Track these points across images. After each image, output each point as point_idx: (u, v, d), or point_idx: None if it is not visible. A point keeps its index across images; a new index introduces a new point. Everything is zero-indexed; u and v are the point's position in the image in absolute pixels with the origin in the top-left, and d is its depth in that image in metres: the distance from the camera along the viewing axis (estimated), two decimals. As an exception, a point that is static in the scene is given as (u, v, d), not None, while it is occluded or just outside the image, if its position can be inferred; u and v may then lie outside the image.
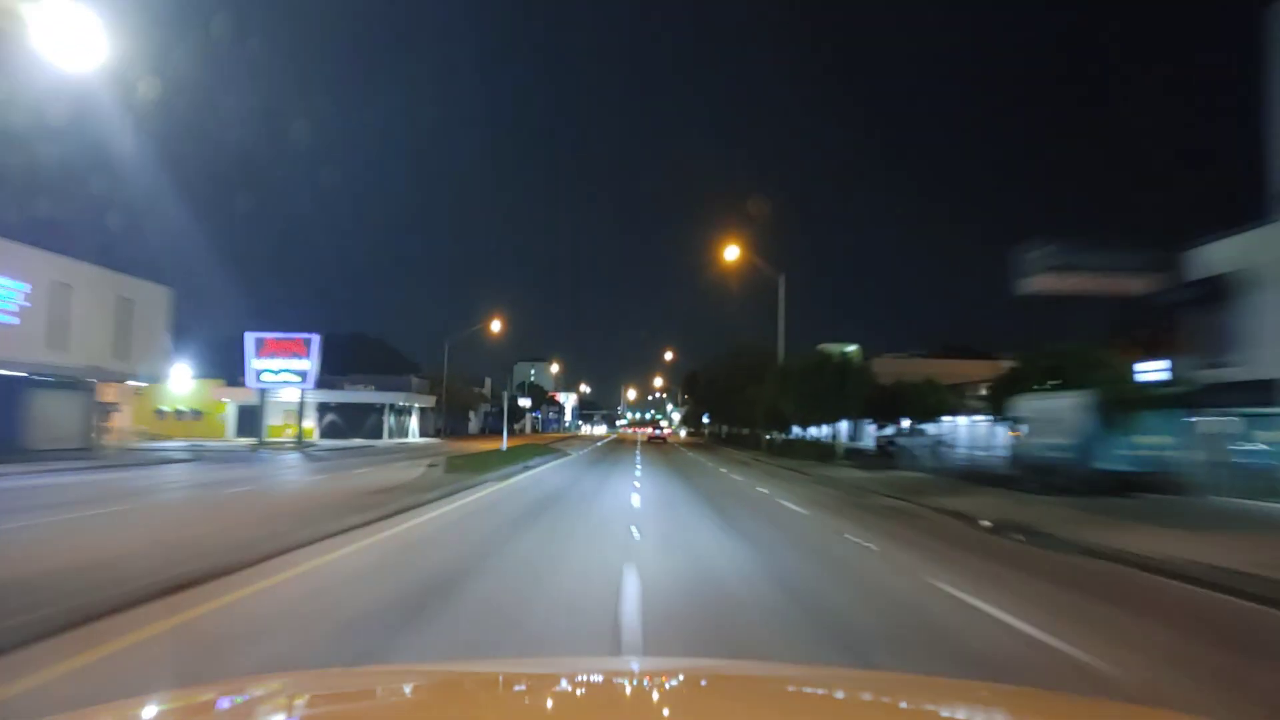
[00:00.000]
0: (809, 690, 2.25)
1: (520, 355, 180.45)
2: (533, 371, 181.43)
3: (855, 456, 40.03)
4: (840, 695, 2.17)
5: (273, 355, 45.82)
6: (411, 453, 38.95)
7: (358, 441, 55.14)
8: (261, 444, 45.11)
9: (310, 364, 45.92)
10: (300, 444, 44.58)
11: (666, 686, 2.23)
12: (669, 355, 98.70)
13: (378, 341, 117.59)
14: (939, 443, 49.93)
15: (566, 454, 39.47)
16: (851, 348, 42.86)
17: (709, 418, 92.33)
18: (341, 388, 63.67)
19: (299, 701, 1.94)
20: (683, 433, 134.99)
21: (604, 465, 30.69)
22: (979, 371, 51.59)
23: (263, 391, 47.45)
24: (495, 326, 71.62)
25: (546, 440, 68.60)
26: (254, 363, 45.67)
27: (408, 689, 2.19)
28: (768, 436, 52.62)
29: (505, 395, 38.98)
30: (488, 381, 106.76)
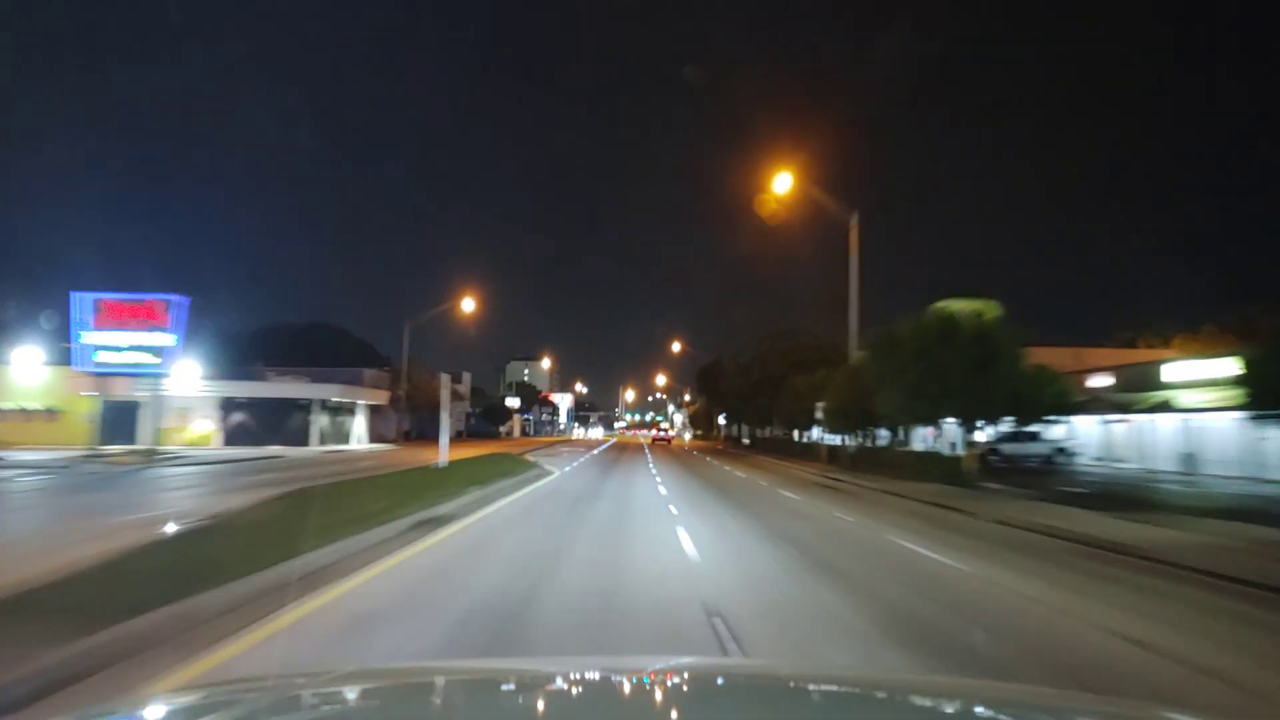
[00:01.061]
0: (813, 689, 2.21)
1: (513, 354, 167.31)
2: (526, 371, 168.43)
3: (998, 475, 25.69)
4: (844, 693, 2.13)
5: (117, 325, 31.26)
6: (291, 470, 24.54)
7: (274, 449, 40.76)
8: (95, 455, 30.57)
9: (173, 338, 31.35)
10: (151, 456, 30.05)
11: (669, 686, 2.14)
12: (676, 347, 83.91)
13: (341, 332, 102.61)
14: (1060, 451, 35.88)
15: (545, 473, 25.00)
16: (985, 305, 28.15)
17: (726, 418, 77.87)
18: (265, 379, 49.29)
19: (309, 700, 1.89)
20: (687, 436, 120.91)
21: (604, 506, 15.85)
22: (1059, 361, 37.85)
23: (101, 377, 32.99)
24: (469, 306, 57.72)
25: (530, 446, 53.95)
26: (86, 336, 31.12)
27: (403, 689, 2.09)
28: (831, 442, 38.09)
29: (446, 383, 24.23)
30: (466, 377, 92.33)
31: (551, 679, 2.19)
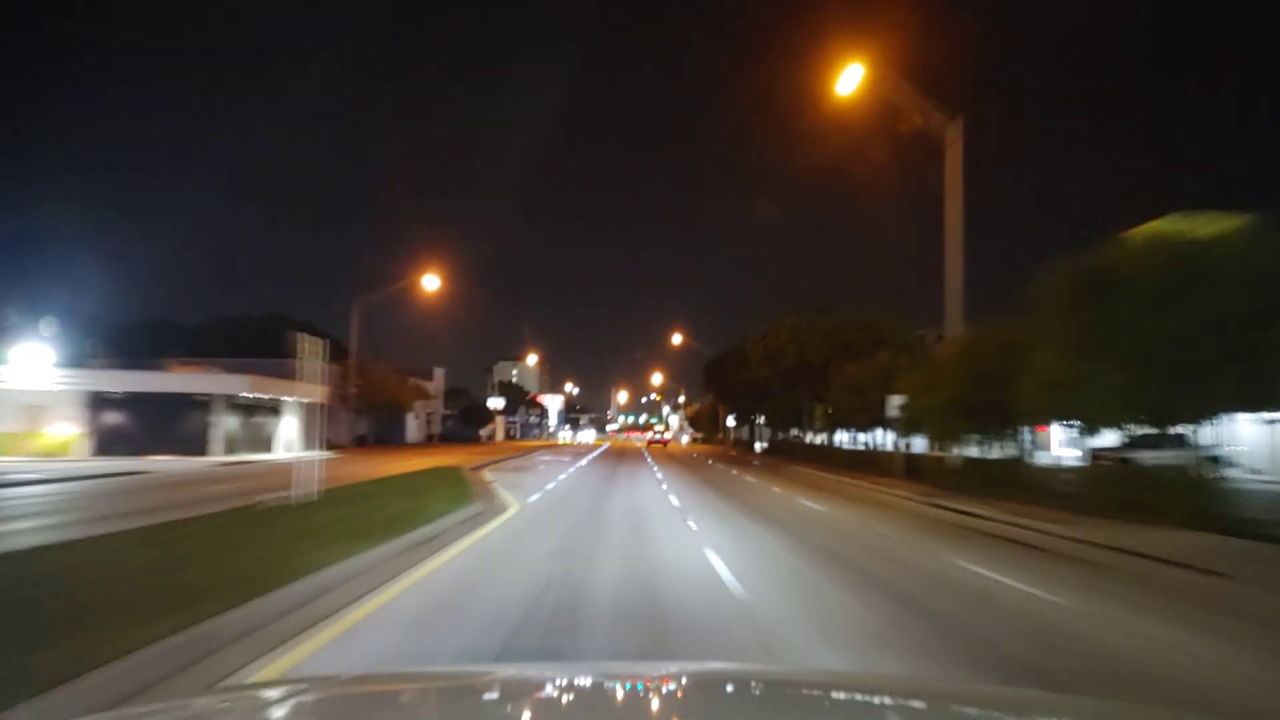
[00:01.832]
0: (808, 693, 2.13)
1: (502, 355, 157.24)
2: (515, 372, 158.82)
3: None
4: (841, 698, 2.07)
5: None
6: (70, 510, 14.06)
7: (156, 460, 30.42)
8: None
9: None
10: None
11: (664, 691, 2.07)
12: (677, 339, 73.36)
13: (302, 325, 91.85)
14: (1213, 460, 25.77)
15: (492, 510, 14.61)
16: (1230, 222, 17.79)
17: (737, 418, 67.49)
18: (163, 370, 38.70)
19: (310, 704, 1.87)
20: (684, 439, 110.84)
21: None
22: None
23: None
24: (432, 285, 47.81)
25: (502, 454, 43.23)
26: None
27: (396, 695, 2.05)
28: (890, 448, 27.65)
29: (312, 351, 13.37)
30: (439, 374, 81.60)
31: (561, 685, 2.13)
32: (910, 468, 25.90)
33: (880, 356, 30.25)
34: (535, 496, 17.57)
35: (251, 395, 36.73)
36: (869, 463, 30.27)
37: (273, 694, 1.99)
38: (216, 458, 33.64)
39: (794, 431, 49.58)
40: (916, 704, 1.97)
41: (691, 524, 12.94)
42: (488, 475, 24.14)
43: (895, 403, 25.63)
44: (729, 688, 2.17)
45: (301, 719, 1.76)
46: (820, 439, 44.43)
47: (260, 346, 57.53)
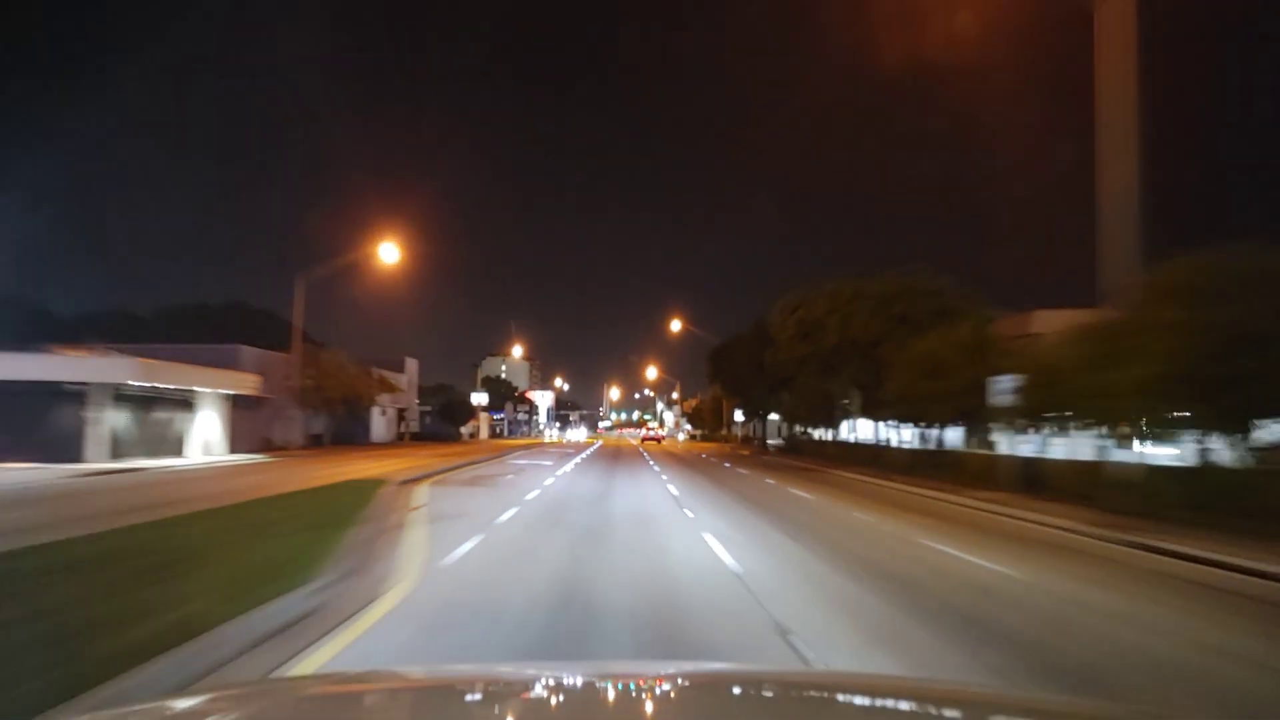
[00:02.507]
0: (805, 694, 2.07)
1: (491, 350, 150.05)
2: (503, 367, 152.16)
3: None
4: (844, 700, 2.00)
5: None
6: None
7: (7, 467, 22.73)
8: None
9: None
10: None
11: (657, 692, 2.00)
12: (676, 325, 65.33)
13: (264, 313, 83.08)
14: None
15: (334, 612, 6.78)
16: None
17: (745, 412, 59.81)
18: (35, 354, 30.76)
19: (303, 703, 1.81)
20: (681, 436, 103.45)
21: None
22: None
23: None
24: (391, 256, 40.26)
25: (473, 456, 35.30)
26: None
27: (396, 693, 2.00)
28: (999, 452, 20.01)
29: None
30: (411, 365, 73.51)
31: (564, 684, 2.08)
32: (1029, 477, 18.30)
33: (962, 327, 22.73)
34: (469, 545, 9.79)
35: (145, 384, 28.83)
36: (950, 467, 22.62)
37: (271, 690, 2.04)
38: (94, 464, 25.88)
39: (816, 428, 42.06)
40: (920, 706, 1.87)
41: (802, 646, 5.27)
42: (422, 494, 16.37)
43: (1005, 385, 18.12)
44: (734, 689, 2.09)
45: (303, 715, 1.72)
46: (857, 436, 36.89)
47: (220, 335, 50.02)
